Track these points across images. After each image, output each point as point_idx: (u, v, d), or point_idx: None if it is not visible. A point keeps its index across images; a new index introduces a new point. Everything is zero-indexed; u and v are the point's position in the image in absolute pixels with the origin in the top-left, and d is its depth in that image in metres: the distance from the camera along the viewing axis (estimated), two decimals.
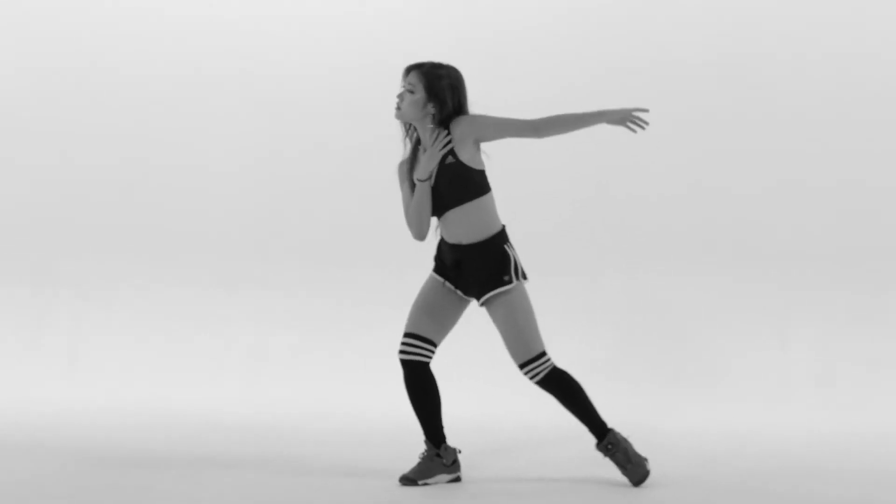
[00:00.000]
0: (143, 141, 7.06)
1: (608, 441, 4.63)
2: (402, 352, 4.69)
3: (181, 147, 7.03)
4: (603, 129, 4.89)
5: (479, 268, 4.60)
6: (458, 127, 4.55)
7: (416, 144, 4.69)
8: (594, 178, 6.81)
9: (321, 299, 6.83)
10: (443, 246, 4.71)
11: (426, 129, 4.62)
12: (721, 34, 6.78)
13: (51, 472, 4.83)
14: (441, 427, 4.71)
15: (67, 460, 5.08)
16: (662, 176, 6.76)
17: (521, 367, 4.64)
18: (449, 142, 4.54)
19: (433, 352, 4.69)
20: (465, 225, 4.59)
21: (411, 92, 4.58)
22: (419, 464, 4.68)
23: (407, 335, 4.69)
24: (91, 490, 4.49)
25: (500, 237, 4.65)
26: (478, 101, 4.68)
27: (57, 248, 6.98)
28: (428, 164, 4.56)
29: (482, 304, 4.67)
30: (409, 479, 4.64)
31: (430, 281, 4.74)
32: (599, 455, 4.72)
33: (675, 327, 6.61)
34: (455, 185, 4.56)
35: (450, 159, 4.55)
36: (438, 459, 4.68)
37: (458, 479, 4.74)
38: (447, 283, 4.69)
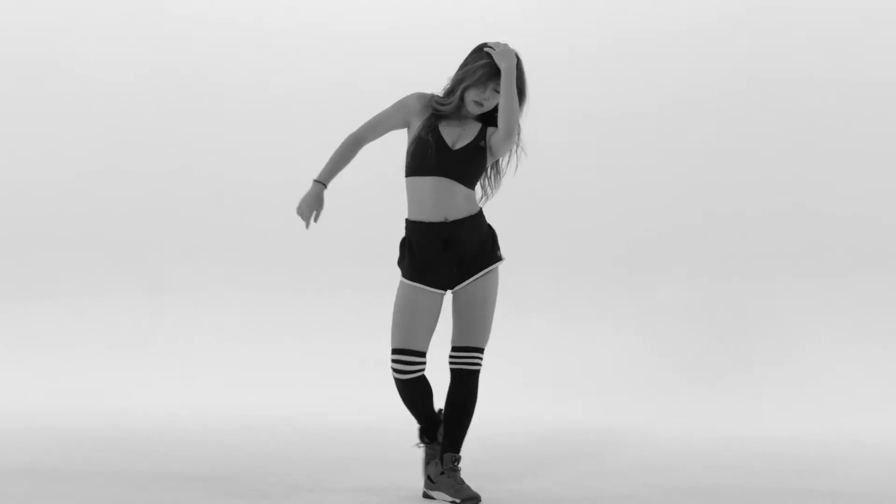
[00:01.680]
0: (254, 148, 7.07)
1: (458, 457, 4.47)
2: (399, 371, 4.47)
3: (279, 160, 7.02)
4: None
5: (474, 241, 4.49)
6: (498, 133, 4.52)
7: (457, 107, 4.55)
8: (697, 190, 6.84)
9: None
10: (421, 234, 4.49)
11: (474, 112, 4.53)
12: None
13: (166, 472, 4.90)
14: (437, 415, 4.60)
15: (183, 460, 5.16)
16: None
17: (470, 350, 4.46)
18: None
19: (426, 363, 4.51)
20: (458, 201, 4.44)
21: (497, 93, 4.46)
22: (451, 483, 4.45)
23: (400, 351, 4.47)
24: (206, 489, 4.55)
25: (482, 215, 4.56)
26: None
27: (169, 253, 6.98)
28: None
29: (467, 283, 4.50)
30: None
31: (408, 290, 4.50)
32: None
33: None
34: (475, 165, 4.48)
35: (483, 143, 4.50)
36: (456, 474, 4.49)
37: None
38: (425, 286, 4.49)
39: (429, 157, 4.46)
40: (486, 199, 4.60)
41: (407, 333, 4.45)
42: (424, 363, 4.47)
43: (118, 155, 7.05)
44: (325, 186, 4.46)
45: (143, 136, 7.04)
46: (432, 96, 4.54)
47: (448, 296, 4.54)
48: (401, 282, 4.52)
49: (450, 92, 4.50)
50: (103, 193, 7.04)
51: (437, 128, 4.50)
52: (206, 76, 7.06)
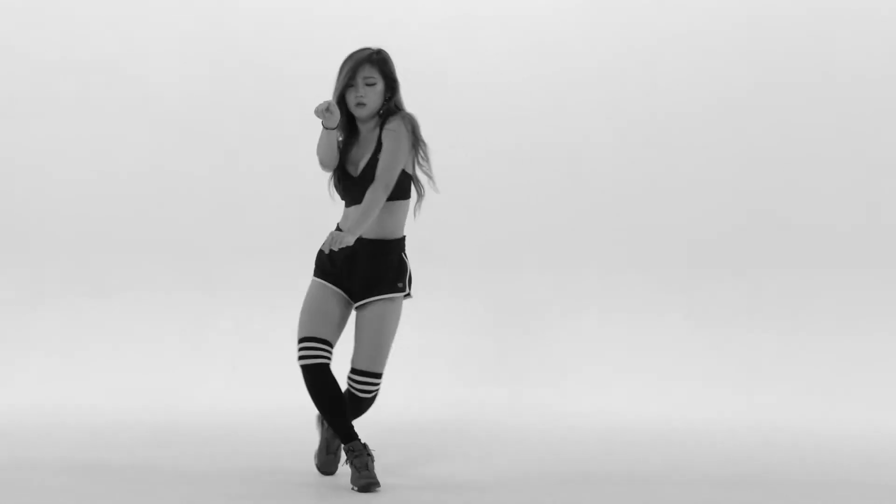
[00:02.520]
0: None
1: (356, 443, 4.47)
2: (303, 357, 4.50)
3: None
4: None
5: (374, 266, 4.52)
6: (384, 133, 4.49)
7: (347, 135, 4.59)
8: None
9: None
10: None
11: (372, 120, 4.55)
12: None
13: (220, 470, 4.87)
14: (351, 424, 4.53)
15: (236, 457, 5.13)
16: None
17: (365, 375, 4.53)
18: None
19: (331, 353, 4.53)
20: (377, 220, 4.47)
21: (373, 84, 4.51)
22: (361, 475, 4.45)
23: (305, 339, 4.51)
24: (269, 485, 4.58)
25: (401, 244, 4.58)
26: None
27: (223, 252, 6.87)
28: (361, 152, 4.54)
29: (359, 306, 4.56)
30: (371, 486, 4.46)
31: (315, 286, 4.58)
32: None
33: None
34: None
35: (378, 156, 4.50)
36: (367, 458, 4.49)
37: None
38: (331, 285, 4.56)
39: (342, 192, 4.56)
40: (420, 197, 4.58)
41: (309, 322, 4.52)
42: (328, 352, 4.50)
43: (174, 155, 6.92)
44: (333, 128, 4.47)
45: (196, 137, 6.91)
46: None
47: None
48: (312, 279, 4.62)
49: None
50: (157, 192, 6.93)
51: (344, 158, 4.54)
52: (266, 75, 6.94)
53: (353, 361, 4.55)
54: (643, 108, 6.74)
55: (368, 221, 4.38)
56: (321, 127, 4.49)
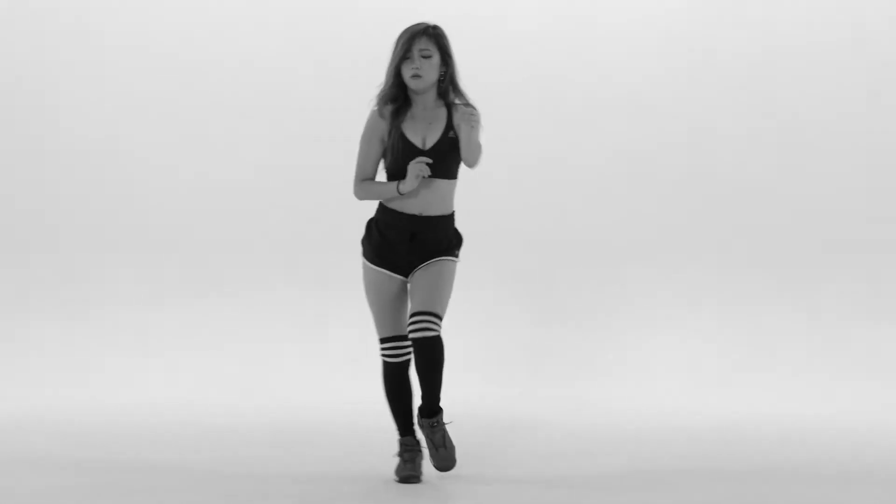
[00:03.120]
0: None
1: (438, 419, 4.51)
2: (390, 356, 4.62)
3: None
4: None
5: (437, 239, 4.56)
6: (458, 116, 4.53)
7: (400, 107, 4.58)
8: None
9: None
10: (394, 222, 4.57)
11: (429, 96, 4.59)
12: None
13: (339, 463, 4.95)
14: (412, 421, 4.68)
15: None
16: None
17: (424, 314, 4.46)
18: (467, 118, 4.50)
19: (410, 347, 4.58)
20: (437, 198, 4.55)
21: (429, 57, 4.53)
22: (416, 466, 4.61)
23: (390, 339, 4.62)
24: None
25: (453, 218, 4.66)
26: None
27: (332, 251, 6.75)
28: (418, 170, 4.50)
29: (416, 270, 4.57)
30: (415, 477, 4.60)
31: (377, 276, 4.62)
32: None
33: None
34: (449, 159, 4.55)
35: (452, 134, 4.55)
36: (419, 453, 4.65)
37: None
38: (391, 273, 4.60)
39: (400, 162, 4.54)
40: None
41: (389, 321, 4.61)
42: (410, 348, 4.56)
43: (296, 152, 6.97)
44: (396, 182, 4.52)
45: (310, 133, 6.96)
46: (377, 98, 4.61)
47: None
48: (364, 263, 4.65)
49: (386, 81, 4.57)
50: (276, 189, 6.98)
51: (402, 130, 4.56)
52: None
53: (413, 308, 4.52)
54: (768, 105, 6.86)
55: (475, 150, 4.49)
56: (397, 189, 4.51)
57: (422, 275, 4.54)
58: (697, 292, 6.78)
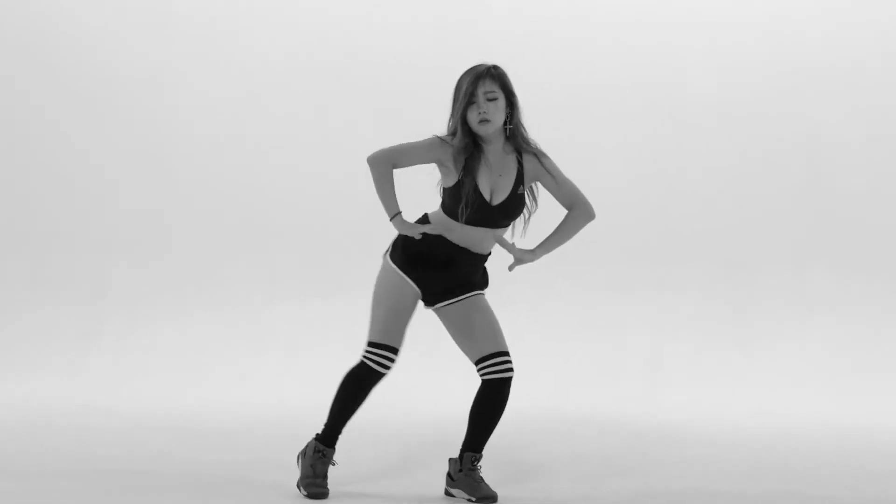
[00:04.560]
0: None
1: (479, 456, 4.43)
2: (374, 362, 4.37)
3: None
4: None
5: (470, 273, 4.42)
6: (535, 165, 4.42)
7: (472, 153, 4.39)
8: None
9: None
10: (439, 244, 4.39)
11: (498, 142, 4.40)
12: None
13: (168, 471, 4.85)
14: (339, 432, 4.48)
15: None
16: None
17: (501, 355, 4.37)
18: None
19: (395, 361, 4.43)
20: (489, 240, 4.40)
21: (495, 99, 4.33)
22: (315, 471, 4.39)
23: (383, 347, 4.38)
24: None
25: (488, 258, 4.52)
26: None
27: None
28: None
29: (453, 302, 4.43)
30: (321, 495, 4.37)
31: (396, 279, 4.41)
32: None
33: None
34: (513, 216, 4.41)
35: (521, 190, 4.39)
36: (324, 460, 4.41)
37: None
38: (412, 282, 4.41)
39: (465, 211, 4.33)
40: (525, 225, 4.49)
41: (392, 328, 4.39)
42: (393, 362, 4.40)
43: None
44: (400, 212, 4.36)
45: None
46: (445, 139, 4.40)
47: (428, 315, 4.54)
48: (387, 265, 4.43)
49: (454, 130, 4.35)
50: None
51: (476, 179, 4.34)
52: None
53: (483, 349, 4.38)
54: (882, 112, 6.88)
55: (563, 241, 4.47)
56: (392, 217, 4.36)
57: (475, 314, 4.40)
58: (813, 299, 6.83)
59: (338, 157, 6.91)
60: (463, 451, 4.43)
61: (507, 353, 4.40)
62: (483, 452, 4.45)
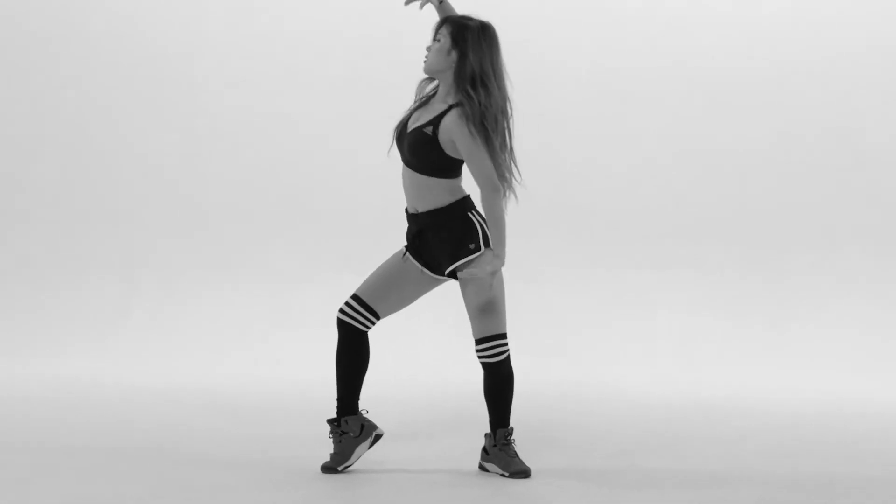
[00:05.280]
0: None
1: (509, 431, 4.43)
2: (342, 311, 4.41)
3: None
4: None
5: (442, 238, 4.32)
6: (448, 119, 4.27)
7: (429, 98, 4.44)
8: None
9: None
10: (407, 218, 4.46)
11: (447, 84, 4.34)
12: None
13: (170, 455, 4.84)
14: (356, 397, 4.46)
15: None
16: None
17: (484, 341, 4.35)
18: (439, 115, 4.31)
19: (373, 323, 4.42)
20: (423, 192, 4.33)
21: (438, 41, 4.33)
22: (334, 449, 4.45)
23: (353, 297, 4.42)
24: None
25: (462, 204, 4.34)
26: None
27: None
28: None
29: (452, 276, 4.37)
30: (329, 468, 4.44)
31: (397, 253, 4.49)
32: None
33: None
34: (420, 155, 4.30)
35: (428, 129, 4.29)
36: (346, 436, 4.43)
37: (378, 437, 4.50)
38: (411, 258, 4.42)
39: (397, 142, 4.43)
40: (505, 193, 4.29)
41: (372, 286, 4.44)
42: (364, 318, 4.40)
43: None
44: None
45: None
46: None
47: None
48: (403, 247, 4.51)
49: None
50: None
51: (411, 110, 4.44)
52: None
53: (474, 333, 4.39)
54: None
55: (501, 230, 4.26)
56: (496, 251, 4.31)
57: (464, 292, 4.35)
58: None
59: (378, 137, 6.90)
60: (492, 427, 4.46)
61: (488, 339, 4.35)
62: (512, 425, 4.47)
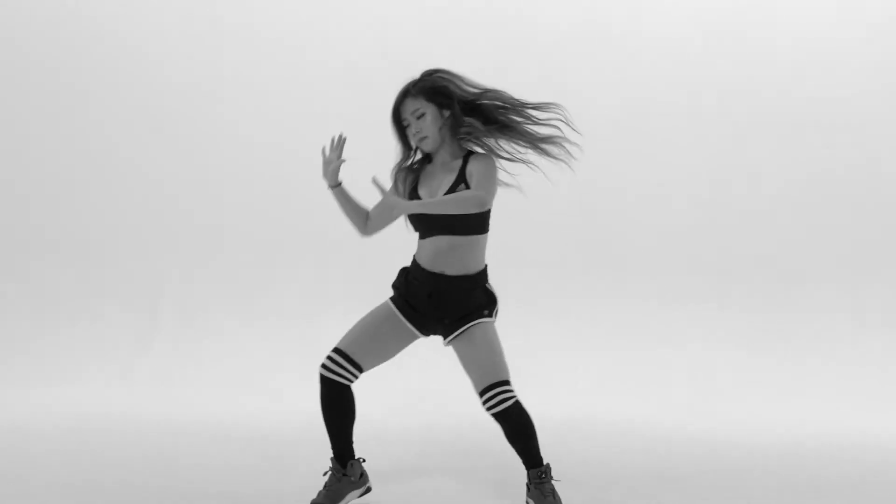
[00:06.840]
0: None
1: (543, 470, 4.41)
2: (325, 367, 4.39)
3: None
4: None
5: (461, 301, 4.33)
6: (471, 165, 4.30)
7: (424, 158, 4.47)
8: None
9: None
10: (416, 275, 4.40)
11: (448, 143, 4.37)
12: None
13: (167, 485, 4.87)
14: (351, 444, 4.47)
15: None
16: None
17: (493, 388, 4.29)
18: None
19: (356, 377, 4.40)
20: (455, 257, 4.33)
21: (423, 115, 4.33)
22: (326, 486, 4.44)
23: (337, 351, 4.39)
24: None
25: (483, 276, 4.40)
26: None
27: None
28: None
29: (452, 338, 4.38)
30: None
31: (384, 308, 4.43)
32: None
33: None
34: (462, 215, 4.27)
35: (463, 187, 4.29)
36: (346, 478, 4.45)
37: (368, 491, 4.54)
38: (402, 317, 4.41)
39: (415, 221, 4.38)
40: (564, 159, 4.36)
41: (356, 341, 4.39)
42: (349, 373, 4.38)
43: None
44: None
45: None
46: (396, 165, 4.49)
47: (440, 348, 4.57)
48: (387, 300, 4.47)
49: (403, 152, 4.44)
50: None
51: (416, 187, 4.39)
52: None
53: (476, 386, 4.35)
54: None
55: (440, 209, 4.13)
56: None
57: (466, 348, 4.33)
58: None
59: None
60: (526, 468, 4.44)
61: (489, 389, 4.29)
62: (547, 462, 4.46)
